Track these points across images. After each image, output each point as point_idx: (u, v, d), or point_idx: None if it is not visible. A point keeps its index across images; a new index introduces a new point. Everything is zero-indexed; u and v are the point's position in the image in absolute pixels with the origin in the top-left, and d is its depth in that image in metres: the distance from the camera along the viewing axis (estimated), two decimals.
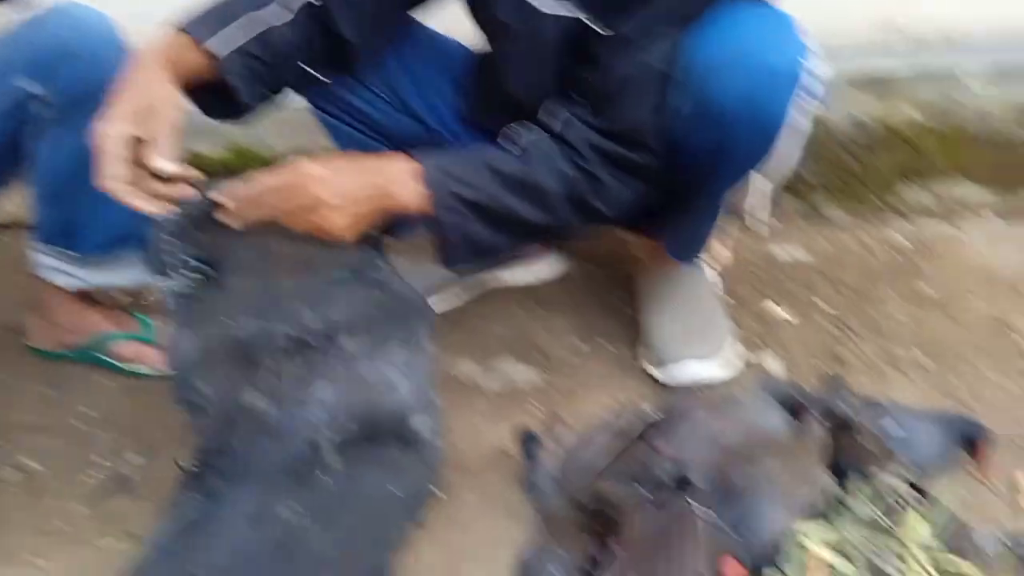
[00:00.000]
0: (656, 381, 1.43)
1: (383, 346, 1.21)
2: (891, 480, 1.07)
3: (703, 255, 1.46)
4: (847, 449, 1.11)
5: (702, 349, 1.43)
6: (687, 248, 1.44)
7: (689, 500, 1.02)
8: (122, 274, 1.49)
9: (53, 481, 1.34)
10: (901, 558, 1.03)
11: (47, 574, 1.20)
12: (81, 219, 1.38)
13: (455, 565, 1.17)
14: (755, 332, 1.54)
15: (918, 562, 1.02)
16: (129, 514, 1.28)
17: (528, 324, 1.62)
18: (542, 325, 1.62)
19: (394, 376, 1.19)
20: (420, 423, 1.21)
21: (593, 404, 1.41)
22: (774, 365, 1.46)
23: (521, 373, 1.51)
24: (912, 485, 1.08)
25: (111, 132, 1.04)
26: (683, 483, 1.05)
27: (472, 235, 1.15)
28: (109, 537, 1.24)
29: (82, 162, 1.10)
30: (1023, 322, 1.48)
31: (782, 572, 1.00)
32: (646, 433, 1.18)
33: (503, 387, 1.48)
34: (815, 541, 1.02)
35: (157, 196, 1.06)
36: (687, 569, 0.95)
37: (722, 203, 1.33)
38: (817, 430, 1.11)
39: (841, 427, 1.13)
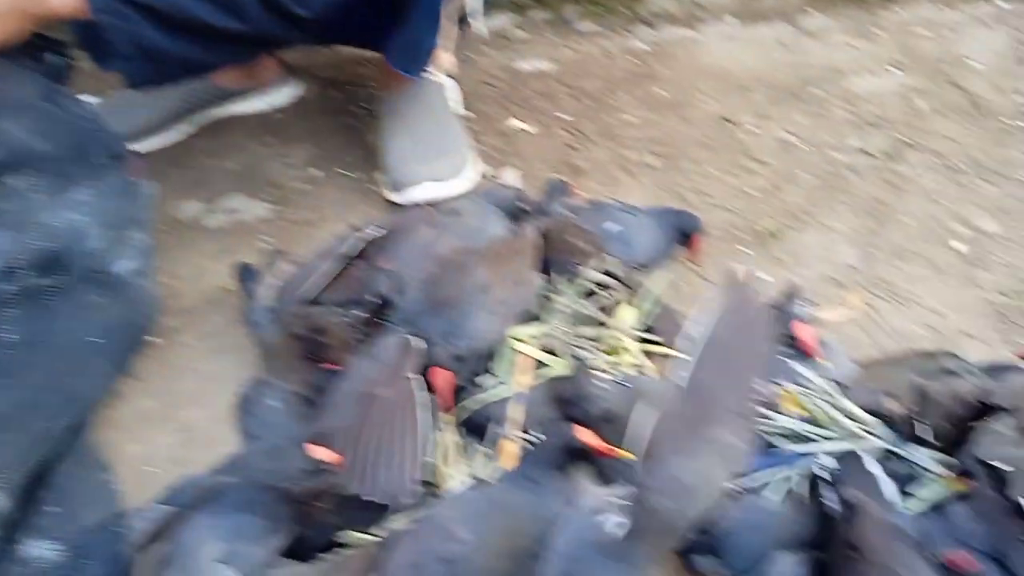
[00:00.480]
0: (395, 206, 1.39)
1: (65, 187, 1.08)
2: (597, 274, 1.09)
3: (430, 66, 1.39)
4: (559, 248, 1.11)
5: (441, 170, 1.39)
6: (410, 58, 1.36)
7: (393, 323, 1.00)
8: None
9: None
10: (611, 347, 1.06)
11: None
12: None
13: (172, 411, 1.12)
14: (496, 147, 1.51)
15: (623, 348, 1.05)
16: None
17: (261, 157, 1.52)
18: (276, 156, 1.52)
19: (79, 218, 1.07)
20: (120, 266, 1.11)
21: (328, 234, 1.35)
22: (512, 178, 1.44)
23: (251, 208, 1.42)
24: (620, 278, 1.10)
25: None
26: (387, 301, 1.02)
27: (146, 43, 1.03)
28: None
29: None
30: (748, 119, 1.52)
31: (494, 375, 1.01)
32: (367, 252, 1.14)
33: (229, 224, 1.39)
34: (523, 341, 1.03)
35: None
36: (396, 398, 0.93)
37: (439, 8, 1.26)
38: (531, 233, 1.11)
39: (555, 228, 1.13)
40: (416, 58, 1.36)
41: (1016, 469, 0.76)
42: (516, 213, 1.23)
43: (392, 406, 0.91)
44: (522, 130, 1.55)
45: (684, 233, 1.25)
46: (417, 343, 0.98)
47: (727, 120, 1.53)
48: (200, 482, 0.92)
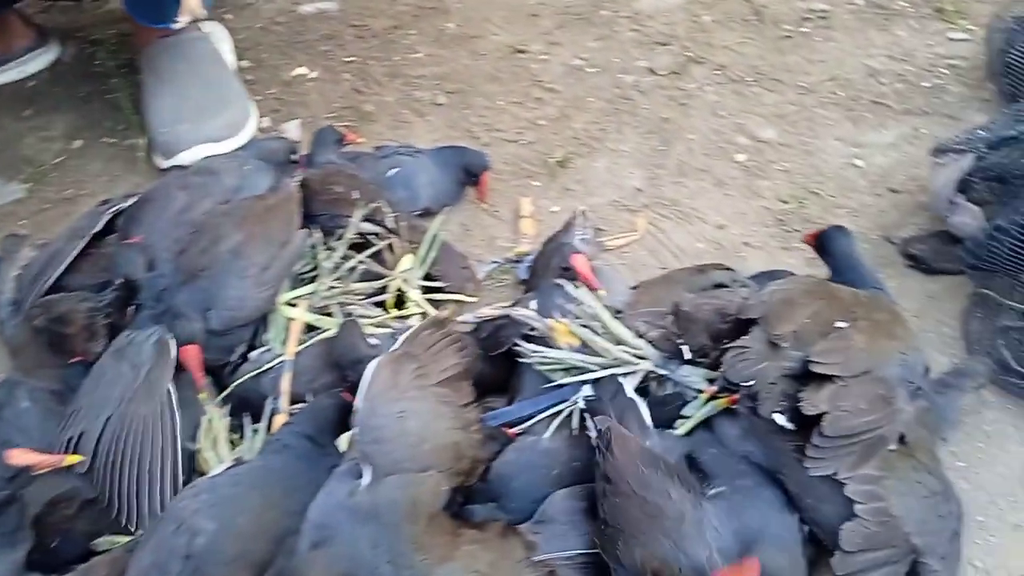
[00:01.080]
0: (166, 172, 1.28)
1: None
2: (367, 224, 1.03)
3: (181, 15, 1.26)
4: (323, 200, 1.04)
5: (216, 128, 1.28)
6: (151, 7, 1.24)
7: (142, 303, 0.92)
8: None
9: None
10: (391, 298, 1.01)
11: None
12: None
13: None
14: (278, 97, 1.41)
15: (406, 300, 1.01)
16: None
17: (15, 132, 1.38)
18: (32, 130, 1.38)
19: None
20: None
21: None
22: (295, 130, 1.36)
23: (3, 191, 1.28)
24: (393, 224, 1.04)
25: None
26: (133, 280, 0.94)
27: None
28: None
29: None
30: (538, 47, 1.47)
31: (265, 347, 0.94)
32: (116, 227, 1.04)
33: None
34: (295, 307, 0.97)
35: None
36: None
37: None
38: (287, 187, 1.03)
39: (317, 179, 1.06)
40: (159, 6, 1.24)
41: (762, 384, 0.75)
42: (283, 165, 1.15)
43: (147, 423, 0.83)
44: (306, 77, 1.46)
45: (471, 172, 1.20)
46: (170, 340, 0.90)
47: (518, 50, 1.48)
48: None
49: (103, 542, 0.80)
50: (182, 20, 1.23)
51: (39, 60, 1.47)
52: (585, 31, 1.50)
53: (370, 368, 0.78)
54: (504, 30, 1.52)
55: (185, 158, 1.26)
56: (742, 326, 0.81)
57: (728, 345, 0.79)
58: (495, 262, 1.12)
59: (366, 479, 0.72)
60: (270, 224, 0.99)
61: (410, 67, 1.46)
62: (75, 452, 0.80)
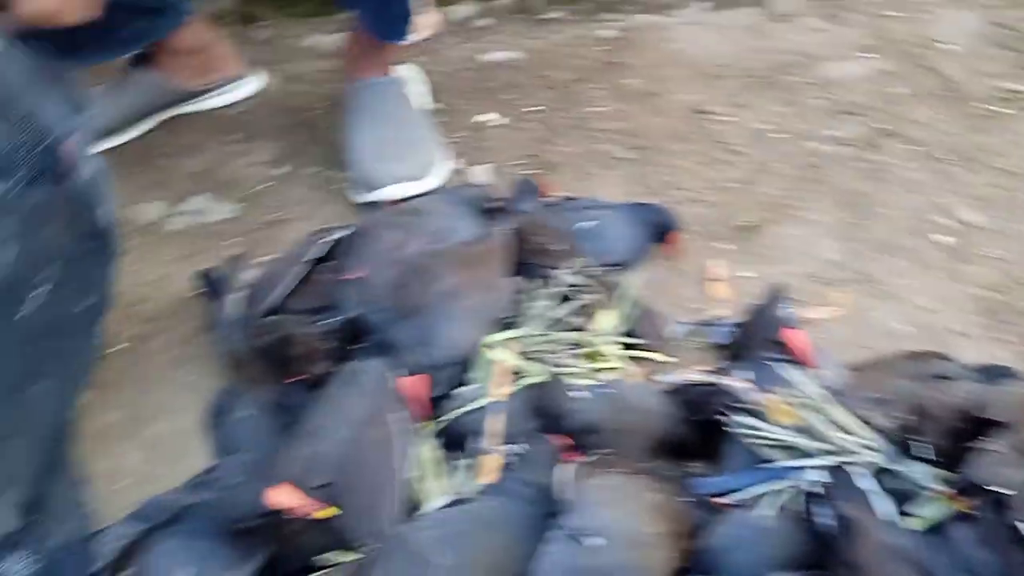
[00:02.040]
0: (363, 206, 1.34)
1: None
2: (573, 277, 1.05)
3: (409, 31, 1.33)
4: (530, 250, 1.07)
5: (410, 168, 1.34)
6: (387, 22, 1.31)
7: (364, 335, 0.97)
8: None
9: None
10: (590, 351, 1.03)
11: None
12: None
13: (139, 424, 1.07)
14: (465, 141, 1.47)
15: (604, 355, 1.02)
16: None
17: (223, 155, 1.47)
18: (238, 155, 1.47)
19: None
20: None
21: (294, 234, 1.31)
22: (483, 174, 1.40)
23: (214, 210, 1.37)
24: (595, 279, 1.07)
25: None
26: (355, 313, 0.99)
27: None
28: None
29: None
30: (721, 108, 1.49)
31: (469, 386, 0.98)
32: (332, 256, 1.10)
33: (193, 227, 1.35)
34: (500, 349, 1.00)
35: None
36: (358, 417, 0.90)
37: None
38: (500, 235, 1.07)
39: (526, 229, 1.09)
40: (394, 21, 1.31)
41: (1017, 493, 0.73)
42: (485, 211, 1.19)
43: (376, 449, 0.88)
44: (491, 123, 1.51)
45: (660, 229, 1.22)
46: (394, 373, 0.94)
47: (700, 111, 1.50)
48: (167, 501, 0.87)
49: (324, 558, 0.84)
50: (412, 38, 1.29)
51: (245, 88, 1.56)
52: (769, 95, 1.51)
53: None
54: (686, 90, 1.54)
55: (382, 195, 1.32)
56: (981, 426, 0.79)
57: (972, 446, 0.78)
58: (688, 323, 1.12)
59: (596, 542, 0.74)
60: (482, 270, 1.03)
61: (593, 120, 1.50)
62: (309, 475, 0.83)
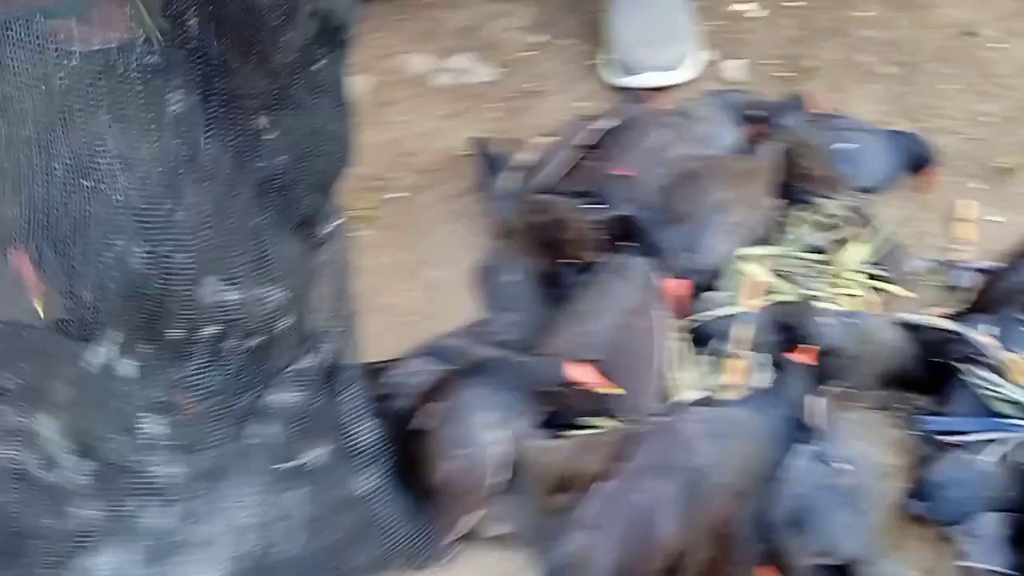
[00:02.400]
0: (617, 89, 1.40)
1: None
2: (834, 206, 1.11)
3: None
4: (797, 174, 1.13)
5: (668, 56, 1.37)
6: None
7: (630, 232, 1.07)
8: None
9: None
10: (836, 279, 1.10)
11: None
12: None
13: (417, 267, 1.22)
14: (720, 31, 1.48)
15: (849, 283, 1.09)
16: None
17: (486, 14, 1.53)
18: (500, 15, 1.53)
19: None
20: None
21: (549, 107, 1.39)
22: (736, 67, 1.42)
23: (477, 71, 1.46)
24: (855, 209, 1.12)
25: None
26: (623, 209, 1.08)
27: None
28: None
29: None
30: (993, 32, 1.43)
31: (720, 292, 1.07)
32: (600, 144, 1.18)
33: (457, 85, 1.44)
34: (754, 264, 1.08)
35: None
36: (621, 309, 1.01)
37: None
38: (769, 155, 1.12)
39: (793, 150, 1.14)
40: None
41: None
42: (748, 119, 1.23)
43: (641, 337, 0.99)
44: (749, 14, 1.51)
45: (917, 162, 1.24)
46: (658, 273, 1.05)
47: (968, 32, 1.45)
48: (459, 348, 1.03)
49: (587, 420, 0.98)
50: None
51: None
52: None
53: None
54: (958, 4, 1.48)
55: (640, 81, 1.37)
56: None
57: None
58: (929, 260, 1.16)
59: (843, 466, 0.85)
60: (749, 186, 1.09)
61: (856, 25, 1.47)
62: (583, 350, 0.96)
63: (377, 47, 1.46)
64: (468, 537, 0.96)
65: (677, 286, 1.04)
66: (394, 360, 1.05)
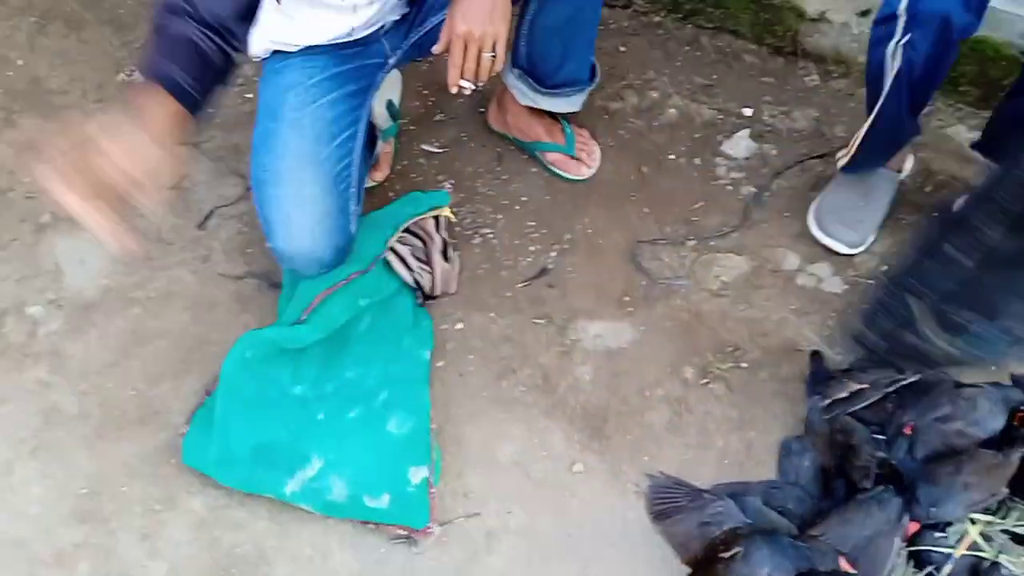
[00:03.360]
0: None
1: None
2: None
3: None
4: None
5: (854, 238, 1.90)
6: None
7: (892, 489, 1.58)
8: (565, 103, 2.02)
9: (500, 251, 2.04)
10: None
11: (496, 324, 1.94)
12: (551, 66, 1.89)
13: (742, 424, 1.80)
14: None
15: None
16: (547, 299, 1.97)
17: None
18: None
19: None
20: None
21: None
22: None
23: (831, 282, 1.98)
24: None
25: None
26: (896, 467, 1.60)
27: None
28: (533, 315, 1.95)
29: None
30: None
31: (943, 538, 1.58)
32: (900, 393, 1.69)
33: (812, 288, 1.97)
34: (975, 526, 1.58)
35: None
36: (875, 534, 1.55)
37: None
38: (1016, 457, 1.59)
39: None
40: None
41: None
42: (1015, 410, 1.69)
43: (881, 551, 1.54)
44: None
45: None
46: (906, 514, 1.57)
47: None
48: (758, 507, 1.62)
49: None
50: None
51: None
52: None
53: None
54: None
55: (826, 242, 1.95)
56: None
57: None
58: None
59: None
60: (995, 479, 1.57)
61: None
62: (842, 544, 1.53)
63: (765, 236, 2.03)
64: None
65: (910, 529, 1.57)
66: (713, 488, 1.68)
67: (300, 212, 1.67)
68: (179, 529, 1.67)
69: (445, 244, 1.95)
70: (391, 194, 2.07)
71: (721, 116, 2.21)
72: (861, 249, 1.95)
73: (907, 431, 1.65)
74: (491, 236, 2.05)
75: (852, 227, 1.94)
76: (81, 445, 1.76)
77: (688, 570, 1.60)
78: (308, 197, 1.66)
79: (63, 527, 1.68)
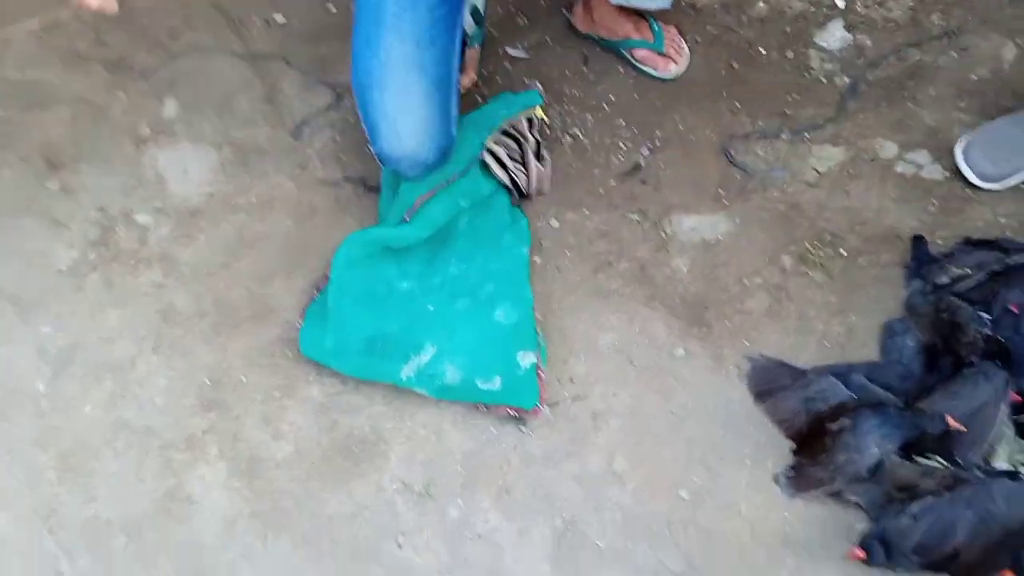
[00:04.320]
0: None
1: None
2: None
3: None
4: None
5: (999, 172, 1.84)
6: None
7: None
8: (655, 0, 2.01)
9: (591, 150, 2.05)
10: None
11: (591, 220, 1.97)
12: None
13: (842, 309, 1.81)
14: None
15: None
16: (640, 195, 1.99)
17: (950, 122, 2.00)
18: (957, 126, 1.99)
19: None
20: None
21: (976, 216, 1.88)
22: None
23: (931, 169, 1.96)
24: None
25: None
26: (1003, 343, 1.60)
27: None
28: (627, 211, 1.97)
29: None
30: None
31: None
32: (1006, 272, 1.68)
33: (911, 175, 1.95)
34: None
35: None
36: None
37: None
38: None
39: None
40: None
41: None
42: None
43: (987, 419, 1.55)
44: None
45: None
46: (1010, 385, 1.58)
47: None
48: (863, 384, 1.64)
49: (933, 457, 1.58)
50: None
51: None
52: None
53: None
54: None
55: (971, 177, 1.86)
56: None
57: None
58: None
59: None
60: None
61: None
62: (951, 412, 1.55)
63: (861, 127, 2.01)
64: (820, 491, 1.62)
65: (1019, 399, 1.58)
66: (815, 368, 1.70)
67: (405, 116, 1.70)
68: (300, 414, 1.75)
69: (539, 145, 1.96)
70: (478, 99, 2.09)
71: (813, 8, 2.17)
72: (995, 187, 1.88)
73: (1013, 308, 1.64)
74: (581, 136, 2.05)
75: (996, 163, 1.86)
76: (199, 341, 1.84)
77: (792, 446, 1.64)
78: (413, 101, 1.69)
79: (190, 415, 1.76)
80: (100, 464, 1.72)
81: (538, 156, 1.97)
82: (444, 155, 1.80)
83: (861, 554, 1.49)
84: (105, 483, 1.70)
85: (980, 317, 1.66)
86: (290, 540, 1.65)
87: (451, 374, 1.69)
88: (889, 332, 1.76)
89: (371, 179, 2.00)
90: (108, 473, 1.71)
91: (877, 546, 1.49)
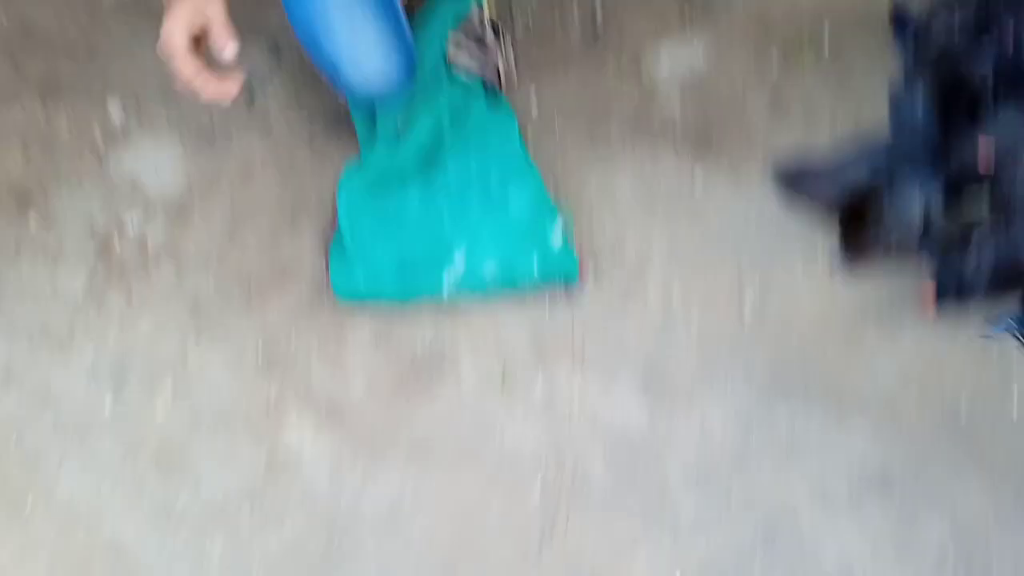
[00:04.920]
0: None
1: None
2: None
3: None
4: None
5: None
6: None
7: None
8: None
9: (547, 27, 2.01)
10: None
11: (568, 82, 1.94)
12: None
13: (843, 78, 1.81)
14: None
15: None
16: (608, 46, 1.96)
17: None
18: None
19: None
20: None
21: None
22: None
23: None
24: None
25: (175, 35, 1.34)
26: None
27: None
28: (602, 70, 1.94)
29: None
30: None
31: None
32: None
33: None
34: None
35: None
36: None
37: None
38: None
39: None
40: None
41: None
42: None
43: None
44: None
45: None
46: None
47: None
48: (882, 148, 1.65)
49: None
50: None
51: None
52: None
53: None
54: None
55: None
56: None
57: None
58: None
59: None
60: None
61: None
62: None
63: None
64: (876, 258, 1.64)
65: None
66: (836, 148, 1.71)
67: (362, 50, 1.65)
68: (358, 351, 1.75)
69: (496, 35, 1.93)
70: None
71: None
72: None
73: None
74: (531, 23, 2.02)
75: None
76: (235, 318, 1.82)
77: (837, 226, 1.65)
78: (365, 34, 1.65)
79: (256, 385, 1.75)
80: (193, 454, 1.71)
81: (501, 50, 1.94)
82: (410, 70, 1.76)
83: (934, 302, 1.52)
84: (206, 469, 1.70)
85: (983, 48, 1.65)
86: (396, 463, 1.66)
87: (489, 269, 1.69)
88: (894, 100, 1.75)
89: (338, 116, 1.96)
90: (204, 459, 1.71)
91: (948, 288, 1.51)
